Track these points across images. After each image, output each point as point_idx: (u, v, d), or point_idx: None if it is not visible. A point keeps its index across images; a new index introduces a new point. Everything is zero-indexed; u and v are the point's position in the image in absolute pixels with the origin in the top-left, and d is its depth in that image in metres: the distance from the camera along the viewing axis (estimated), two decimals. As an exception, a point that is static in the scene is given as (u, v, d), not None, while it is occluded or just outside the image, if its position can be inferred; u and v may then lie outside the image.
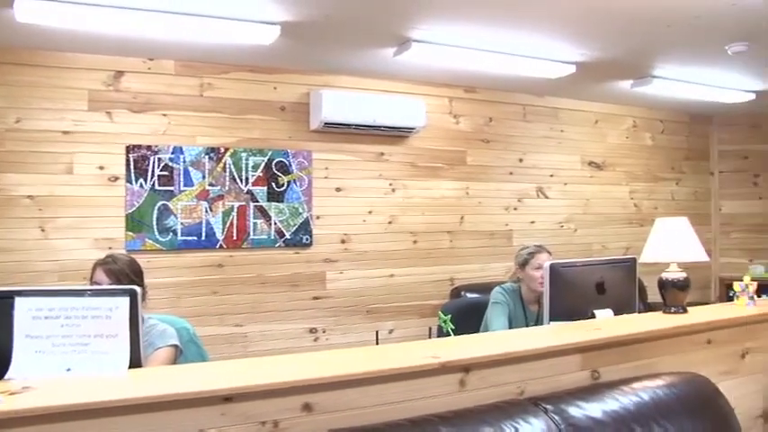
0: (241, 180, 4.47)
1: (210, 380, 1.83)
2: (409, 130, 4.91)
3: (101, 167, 4.10)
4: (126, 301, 1.93)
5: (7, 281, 3.72)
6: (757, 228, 6.61)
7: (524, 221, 5.60)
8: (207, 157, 4.37)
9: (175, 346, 2.42)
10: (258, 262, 4.53)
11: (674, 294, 2.83)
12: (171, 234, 4.25)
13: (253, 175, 4.51)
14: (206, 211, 4.36)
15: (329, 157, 4.78)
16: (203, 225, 4.35)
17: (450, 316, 2.70)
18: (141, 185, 4.18)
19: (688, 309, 2.84)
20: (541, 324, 2.99)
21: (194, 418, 1.70)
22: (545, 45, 4.14)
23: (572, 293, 2.81)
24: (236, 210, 4.45)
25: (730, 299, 3.14)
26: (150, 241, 4.19)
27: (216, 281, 4.39)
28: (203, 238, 4.35)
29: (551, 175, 5.76)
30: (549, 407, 2.06)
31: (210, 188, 4.38)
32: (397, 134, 4.95)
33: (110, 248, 3.93)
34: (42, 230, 3.94)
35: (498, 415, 1.97)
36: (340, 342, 4.72)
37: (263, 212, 4.53)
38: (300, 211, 4.66)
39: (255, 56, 4.26)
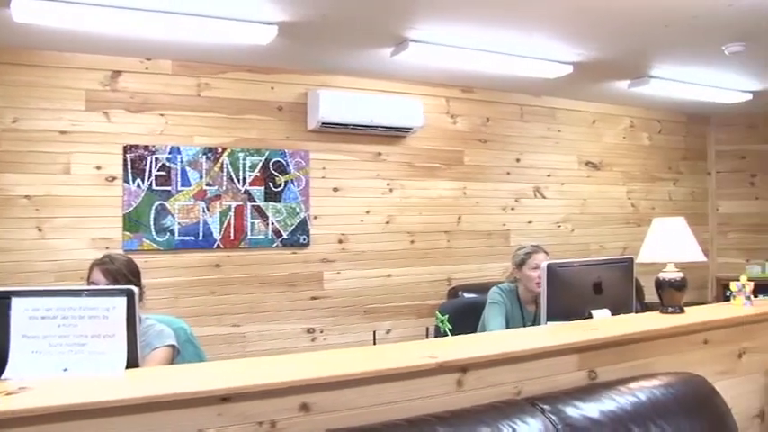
0: (238, 180, 4.47)
1: (208, 380, 1.82)
2: (406, 130, 4.91)
3: (98, 167, 4.09)
4: (123, 301, 1.92)
5: (4, 281, 3.72)
6: (754, 228, 6.63)
7: (522, 221, 5.60)
8: (204, 157, 4.37)
9: (173, 346, 2.42)
10: (255, 262, 4.53)
11: (671, 294, 2.84)
12: (168, 234, 4.25)
13: (250, 175, 4.50)
14: (203, 211, 4.36)
15: (326, 157, 4.78)
16: (200, 225, 4.35)
17: (447, 316, 2.71)
18: (138, 185, 4.18)
19: (685, 309, 2.84)
20: (538, 324, 2.99)
21: (192, 419, 1.70)
22: (542, 45, 4.15)
23: (569, 293, 2.81)
24: (233, 210, 4.45)
25: (727, 299, 3.14)
26: (147, 241, 4.19)
27: (213, 281, 4.39)
28: (200, 238, 4.35)
29: (548, 175, 5.77)
30: (546, 407, 2.06)
31: (208, 188, 4.38)
32: (394, 134, 4.95)
33: (107, 248, 3.93)
34: (39, 230, 3.94)
35: (495, 415, 1.97)
36: (337, 342, 4.72)
37: (260, 212, 4.53)
38: (298, 211, 4.65)
39: (253, 56, 4.26)
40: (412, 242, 5.12)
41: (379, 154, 4.99)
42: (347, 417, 1.87)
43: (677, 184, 6.58)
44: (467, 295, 4.70)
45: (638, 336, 2.51)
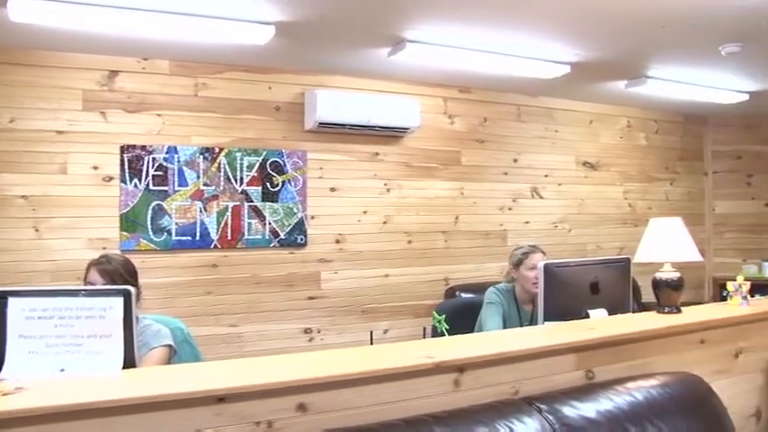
0: (236, 180, 4.46)
1: (205, 380, 1.82)
2: (404, 130, 4.91)
3: (95, 167, 4.09)
4: (120, 301, 1.92)
5: (1, 281, 3.71)
6: (750, 228, 6.64)
7: (519, 221, 5.61)
8: (201, 156, 4.36)
9: (170, 346, 2.42)
10: (253, 262, 4.53)
11: (667, 294, 2.84)
12: (165, 234, 4.25)
13: (247, 175, 4.50)
14: (200, 211, 4.36)
15: (324, 157, 4.78)
16: (198, 225, 4.34)
17: (444, 316, 2.71)
18: (136, 185, 4.17)
19: (682, 308, 2.85)
20: (536, 324, 3.00)
21: (191, 419, 1.70)
22: (539, 45, 4.15)
23: (566, 293, 2.81)
24: (230, 210, 4.45)
25: (724, 299, 3.16)
26: (145, 241, 4.19)
27: (210, 281, 4.39)
28: (198, 238, 4.34)
29: (546, 176, 5.78)
30: (543, 407, 2.07)
31: (205, 188, 4.37)
32: (391, 134, 4.95)
33: (104, 248, 3.92)
34: (36, 230, 3.93)
35: (492, 415, 1.97)
36: (335, 342, 4.72)
37: (257, 212, 4.53)
38: (295, 211, 4.65)
39: (250, 56, 4.26)
40: (409, 242, 5.12)
41: (377, 154, 4.99)
42: (344, 417, 1.87)
43: (674, 184, 6.59)
44: (464, 295, 4.69)
45: (635, 336, 2.51)
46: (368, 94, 4.80)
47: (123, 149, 4.15)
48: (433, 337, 3.41)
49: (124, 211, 4.14)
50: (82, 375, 1.81)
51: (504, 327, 3.23)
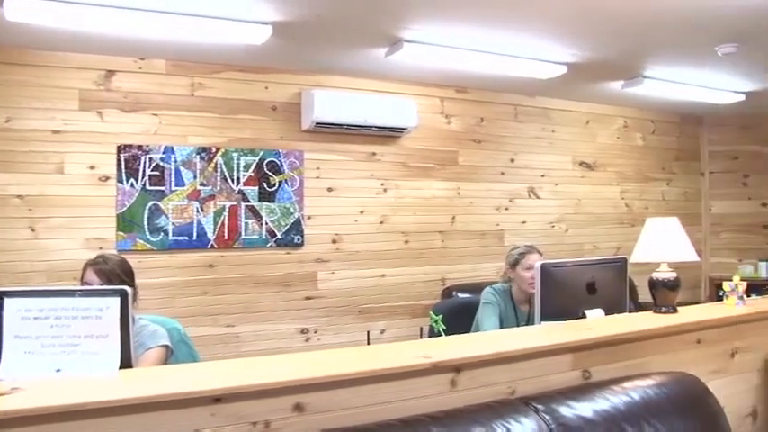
0: (232, 180, 4.46)
1: (202, 380, 1.82)
2: (401, 130, 4.91)
3: (91, 167, 4.08)
4: (116, 301, 1.92)
5: (-3, 281, 3.71)
6: (747, 228, 6.65)
7: (516, 221, 5.61)
8: (198, 156, 4.36)
9: (166, 346, 2.41)
10: (250, 262, 4.52)
11: (664, 294, 2.84)
12: (162, 234, 4.24)
13: (244, 175, 4.50)
14: (197, 211, 4.35)
15: (321, 157, 4.78)
16: (194, 225, 4.34)
17: (441, 316, 2.71)
18: (132, 185, 4.17)
19: (678, 308, 2.85)
20: (532, 324, 3.00)
21: (186, 419, 1.69)
22: (536, 46, 4.15)
23: (563, 293, 2.81)
24: (227, 210, 4.44)
25: (720, 298, 3.16)
26: (141, 241, 4.18)
27: (207, 281, 4.38)
28: (194, 238, 4.34)
29: (543, 176, 5.78)
30: (539, 406, 2.07)
31: (202, 188, 4.37)
32: (388, 134, 4.95)
33: (100, 248, 3.92)
34: (32, 230, 3.92)
35: (489, 415, 1.97)
36: (332, 342, 4.72)
37: (254, 212, 4.53)
38: (292, 211, 4.65)
39: (247, 56, 4.26)
40: (406, 242, 5.12)
41: (374, 154, 4.99)
42: (341, 417, 1.87)
43: (671, 184, 6.60)
44: (461, 295, 4.70)
45: (631, 335, 2.51)
46: (365, 94, 4.80)
47: (120, 149, 4.14)
48: (429, 337, 3.40)
49: (121, 211, 4.13)
50: (78, 376, 1.81)
51: (501, 327, 3.22)
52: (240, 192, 4.49)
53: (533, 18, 3.64)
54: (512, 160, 5.61)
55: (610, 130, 6.21)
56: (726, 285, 3.05)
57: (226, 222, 4.43)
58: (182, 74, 4.34)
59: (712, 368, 2.72)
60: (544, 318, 2.75)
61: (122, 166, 4.14)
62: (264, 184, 4.56)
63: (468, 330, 3.34)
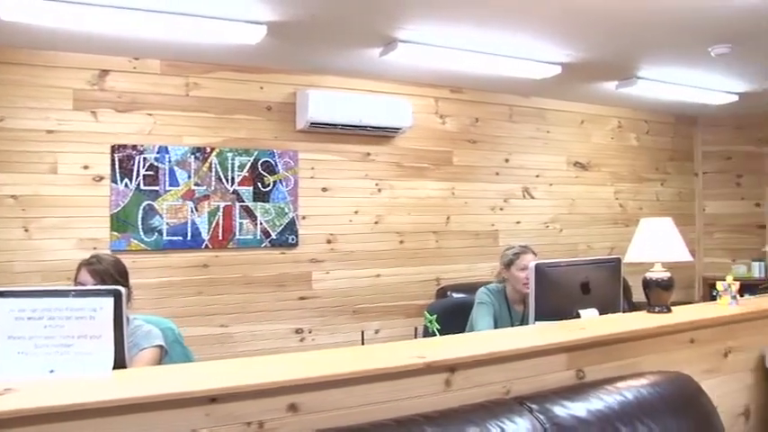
0: (227, 180, 4.45)
1: (196, 380, 1.82)
2: (395, 130, 4.91)
3: (85, 167, 4.07)
4: (110, 301, 1.92)
5: (-10, 281, 3.69)
6: (740, 228, 6.68)
7: (510, 222, 5.62)
8: (193, 156, 4.35)
9: (161, 346, 2.41)
10: (244, 262, 4.52)
11: (658, 294, 2.86)
12: (156, 234, 4.23)
13: (239, 175, 4.49)
14: (191, 211, 4.34)
15: (315, 157, 4.78)
16: (189, 225, 4.33)
17: (435, 316, 2.71)
18: (126, 185, 4.16)
19: (672, 308, 2.86)
20: (527, 324, 3.00)
21: (181, 419, 1.69)
22: (531, 46, 4.16)
23: (557, 293, 2.82)
24: (221, 210, 4.44)
25: (713, 298, 3.17)
26: (135, 241, 4.17)
27: (202, 281, 4.38)
28: (189, 238, 4.33)
29: (537, 176, 5.79)
30: (534, 406, 2.07)
31: (196, 188, 4.36)
32: (383, 134, 4.95)
33: (94, 249, 3.90)
34: (26, 231, 3.91)
35: (484, 414, 1.97)
36: (326, 342, 4.72)
37: (248, 212, 4.52)
38: (286, 211, 4.65)
39: (242, 55, 4.25)
40: (401, 242, 5.12)
41: (368, 154, 4.99)
42: (335, 417, 1.87)
43: (665, 184, 6.62)
44: (455, 295, 4.70)
45: (625, 335, 2.52)
46: (359, 95, 4.80)
47: (114, 149, 4.13)
48: (424, 337, 3.41)
49: (115, 211, 4.12)
50: (72, 376, 1.80)
51: (496, 327, 3.23)
52: (235, 192, 4.48)
53: (528, 18, 3.65)
54: (506, 160, 5.62)
55: (604, 130, 6.22)
56: (719, 285, 3.07)
57: (220, 222, 4.43)
58: (176, 74, 4.33)
59: (705, 368, 2.74)
60: (538, 318, 2.76)
61: (116, 166, 4.13)
62: (259, 184, 4.56)
63: (462, 330, 3.35)
